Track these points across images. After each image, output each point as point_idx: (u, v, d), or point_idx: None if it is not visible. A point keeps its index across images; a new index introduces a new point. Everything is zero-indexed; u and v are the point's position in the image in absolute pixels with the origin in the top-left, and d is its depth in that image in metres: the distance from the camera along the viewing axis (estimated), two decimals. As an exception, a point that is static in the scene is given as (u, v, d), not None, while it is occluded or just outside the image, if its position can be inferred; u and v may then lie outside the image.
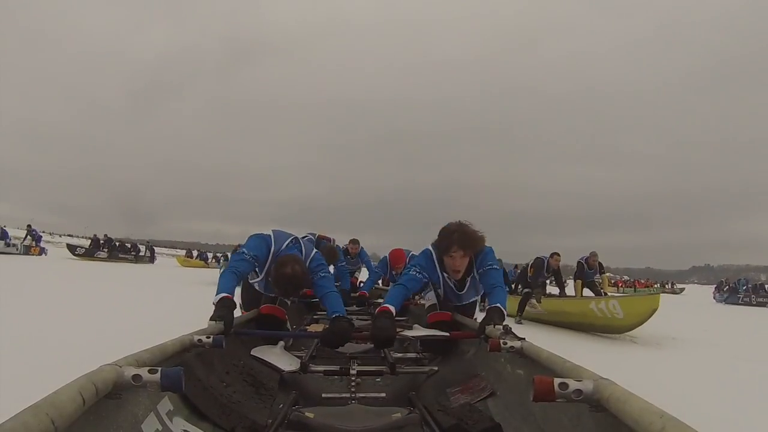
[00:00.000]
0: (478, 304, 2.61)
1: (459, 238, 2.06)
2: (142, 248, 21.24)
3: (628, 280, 38.04)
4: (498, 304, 1.93)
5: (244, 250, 2.19)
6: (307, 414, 1.35)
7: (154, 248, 21.42)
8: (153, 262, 20.17)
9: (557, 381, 0.90)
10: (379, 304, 2.08)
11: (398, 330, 2.27)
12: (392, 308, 2.00)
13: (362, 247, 5.65)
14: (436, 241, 2.18)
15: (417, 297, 3.84)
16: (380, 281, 5.26)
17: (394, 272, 4.58)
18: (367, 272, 5.12)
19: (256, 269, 2.28)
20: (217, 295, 1.91)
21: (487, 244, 2.21)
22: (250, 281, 2.54)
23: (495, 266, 2.16)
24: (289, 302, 2.60)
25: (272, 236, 2.26)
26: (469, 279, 2.24)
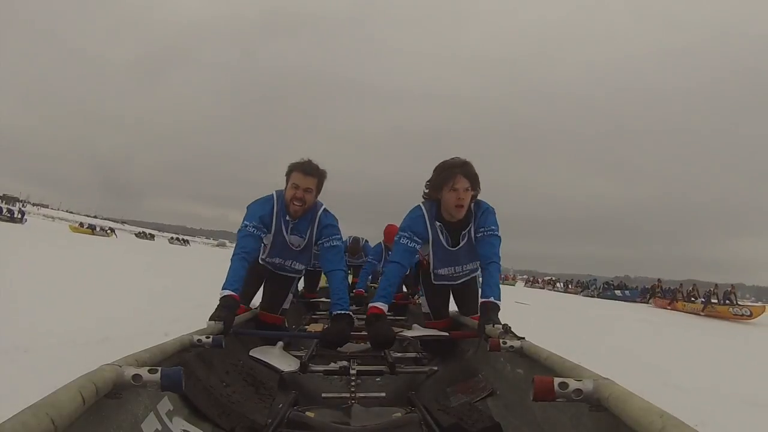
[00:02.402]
0: (479, 282, 2.26)
1: (462, 170, 1.93)
2: (15, 211, 27.20)
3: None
4: (492, 298, 1.87)
5: (245, 222, 2.07)
6: (307, 414, 1.35)
7: (24, 211, 28.60)
8: (23, 223, 24.15)
9: (557, 380, 0.90)
10: None
11: (397, 330, 2.27)
12: (383, 307, 1.93)
13: (366, 241, 5.35)
14: (431, 180, 2.01)
15: (416, 297, 3.84)
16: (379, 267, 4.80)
17: (390, 252, 4.28)
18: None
19: (263, 240, 2.15)
20: (223, 290, 1.86)
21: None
22: (263, 257, 2.35)
23: (497, 232, 2.00)
24: (288, 302, 2.58)
25: (274, 194, 2.15)
26: (465, 234, 2.04)
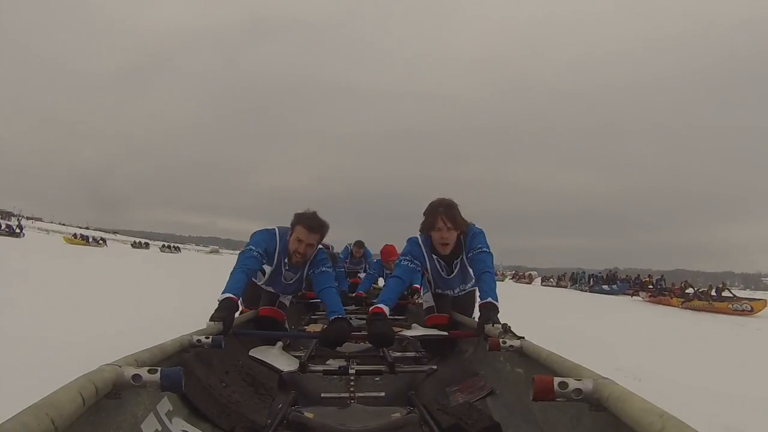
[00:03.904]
0: (476, 295, 2.45)
1: (444, 210, 2.12)
2: (14, 225, 28.43)
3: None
4: (490, 299, 1.94)
5: (251, 246, 2.20)
6: (306, 414, 1.34)
7: (23, 225, 29.51)
8: (22, 237, 25.47)
9: (557, 380, 0.90)
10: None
11: (397, 330, 2.27)
12: (386, 308, 1.99)
13: (366, 248, 5.67)
14: (422, 223, 2.21)
15: (416, 297, 3.84)
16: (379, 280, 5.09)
17: (387, 271, 4.54)
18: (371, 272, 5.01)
19: (263, 268, 2.31)
20: (222, 294, 1.92)
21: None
22: (259, 284, 2.51)
23: (486, 249, 2.15)
24: (287, 303, 2.59)
25: (277, 231, 2.30)
26: (458, 262, 2.24)
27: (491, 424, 1.32)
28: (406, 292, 4.25)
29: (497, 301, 1.94)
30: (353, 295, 4.38)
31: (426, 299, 2.55)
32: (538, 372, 1.12)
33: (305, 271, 2.37)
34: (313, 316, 3.73)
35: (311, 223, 2.22)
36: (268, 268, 2.33)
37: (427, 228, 2.17)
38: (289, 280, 2.42)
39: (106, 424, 0.88)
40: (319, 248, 2.35)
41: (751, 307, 12.43)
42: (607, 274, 23.59)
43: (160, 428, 1.05)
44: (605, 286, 21.30)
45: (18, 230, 25.90)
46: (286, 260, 2.31)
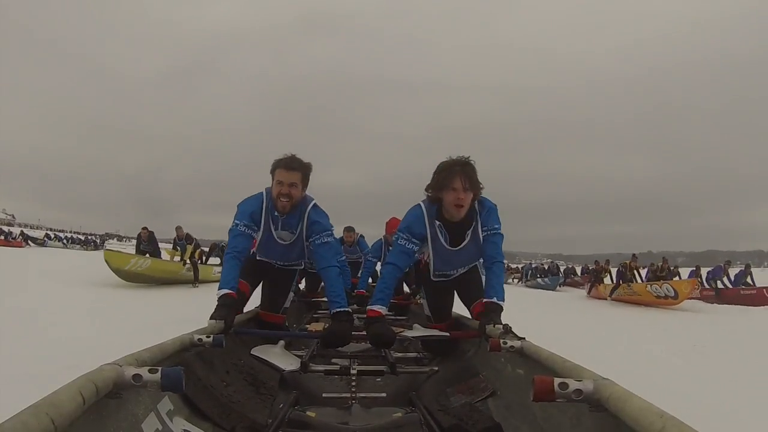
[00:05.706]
0: (481, 272, 2.23)
1: (462, 170, 1.88)
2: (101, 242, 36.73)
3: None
4: (494, 299, 1.86)
5: (236, 221, 2.07)
6: (307, 413, 1.35)
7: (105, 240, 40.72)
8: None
9: (557, 381, 0.90)
10: None
11: (398, 330, 2.27)
12: (382, 309, 1.95)
13: (361, 235, 5.22)
14: (431, 181, 1.97)
15: (418, 297, 3.83)
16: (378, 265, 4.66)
17: (390, 247, 4.26)
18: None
19: (254, 235, 2.14)
20: (219, 290, 1.87)
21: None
22: (258, 257, 2.35)
23: (500, 230, 1.98)
24: (288, 300, 2.57)
25: (264, 191, 2.14)
26: (469, 233, 2.00)
27: (492, 424, 1.32)
28: (408, 292, 4.23)
29: (503, 300, 1.87)
30: (354, 293, 4.36)
31: (423, 305, 2.49)
32: (538, 373, 1.11)
33: (303, 230, 2.15)
34: (314, 315, 3.73)
35: (289, 163, 2.04)
36: (258, 235, 2.16)
37: (439, 187, 1.92)
38: (285, 240, 2.19)
39: (107, 423, 0.88)
40: (315, 205, 2.16)
41: (675, 292, 9.27)
42: (550, 266, 19.87)
43: (160, 428, 1.06)
44: (539, 280, 17.52)
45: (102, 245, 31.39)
46: (275, 214, 2.11)
